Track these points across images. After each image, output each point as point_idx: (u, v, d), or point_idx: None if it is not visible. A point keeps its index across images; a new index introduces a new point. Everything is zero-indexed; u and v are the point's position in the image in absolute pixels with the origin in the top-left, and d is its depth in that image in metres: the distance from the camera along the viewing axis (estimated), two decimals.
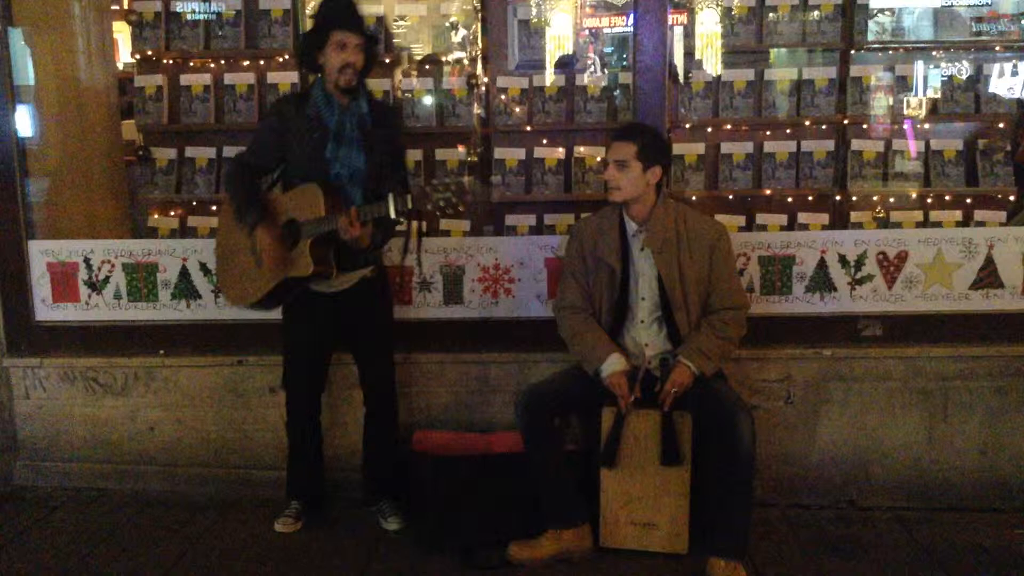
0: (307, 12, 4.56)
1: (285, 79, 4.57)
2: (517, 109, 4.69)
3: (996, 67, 4.70)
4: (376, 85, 4.62)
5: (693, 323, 3.41)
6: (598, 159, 4.56)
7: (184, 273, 4.17)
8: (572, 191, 4.67)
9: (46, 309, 4.25)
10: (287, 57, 4.64)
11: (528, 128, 4.70)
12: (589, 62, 4.97)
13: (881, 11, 4.77)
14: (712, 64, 4.56)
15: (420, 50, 4.93)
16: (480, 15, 4.75)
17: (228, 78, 4.67)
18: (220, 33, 4.68)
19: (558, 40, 4.63)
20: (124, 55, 5.39)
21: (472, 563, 3.42)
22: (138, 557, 3.55)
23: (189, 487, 4.14)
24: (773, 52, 4.97)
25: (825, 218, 4.59)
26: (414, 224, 3.55)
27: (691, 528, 3.43)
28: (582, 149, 4.67)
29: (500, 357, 4.02)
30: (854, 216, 4.71)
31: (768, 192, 4.71)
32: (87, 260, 4.21)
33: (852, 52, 4.71)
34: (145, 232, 4.78)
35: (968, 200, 4.69)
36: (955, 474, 3.92)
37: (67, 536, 3.76)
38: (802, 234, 4.12)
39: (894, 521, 3.79)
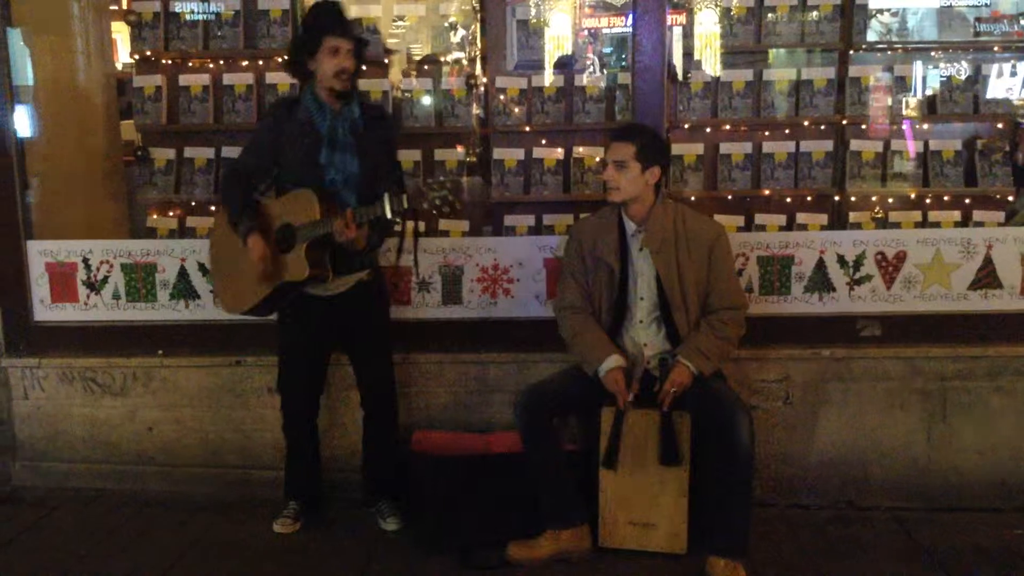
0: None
1: (284, 80, 4.56)
2: (516, 109, 4.69)
3: (995, 67, 4.70)
4: (375, 86, 4.63)
5: (692, 323, 3.41)
6: (597, 159, 4.56)
7: (183, 273, 4.17)
8: (571, 191, 4.67)
9: (45, 309, 4.25)
10: (286, 58, 4.62)
11: (527, 128, 4.70)
12: (588, 62, 4.96)
13: (880, 11, 4.78)
14: (711, 64, 4.56)
15: (419, 50, 4.93)
16: (479, 15, 4.76)
17: (227, 78, 4.68)
18: (219, 33, 4.68)
19: (557, 40, 4.63)
20: (123, 55, 5.39)
21: (471, 563, 3.42)
22: (137, 557, 3.55)
23: (188, 487, 4.14)
24: (772, 52, 4.98)
25: (824, 218, 4.60)
26: (409, 224, 3.54)
27: (690, 528, 3.43)
28: (581, 149, 4.68)
29: (499, 357, 4.02)
30: (853, 216, 4.72)
31: (767, 192, 4.71)
32: (86, 260, 4.21)
33: (851, 52, 4.72)
34: (144, 232, 4.79)
35: (967, 200, 4.69)
36: (954, 474, 3.92)
37: (66, 536, 3.75)
38: (801, 234, 4.13)
39: (893, 521, 3.79)
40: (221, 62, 4.78)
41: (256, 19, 4.66)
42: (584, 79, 4.72)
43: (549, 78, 4.68)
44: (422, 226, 3.94)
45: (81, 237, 4.31)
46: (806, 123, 4.71)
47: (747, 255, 3.99)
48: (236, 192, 3.54)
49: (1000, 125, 4.75)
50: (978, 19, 4.75)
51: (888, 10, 4.82)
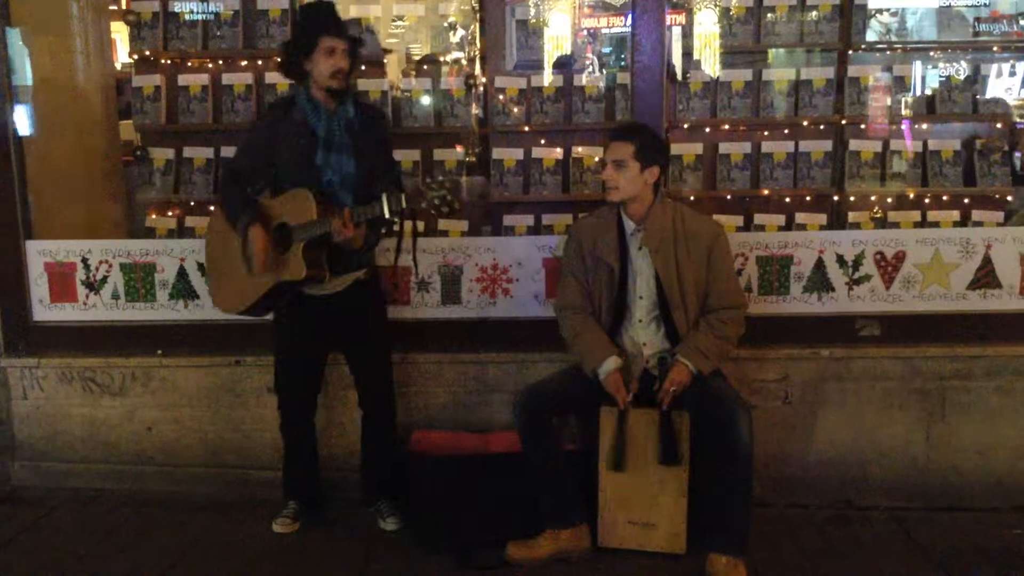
0: None
1: (283, 80, 4.54)
2: (515, 109, 4.69)
3: (994, 67, 4.70)
4: (374, 86, 4.63)
5: (691, 322, 3.41)
6: (596, 159, 4.56)
7: (182, 273, 4.17)
8: (570, 191, 4.67)
9: (44, 309, 4.25)
10: (280, 58, 4.63)
11: (526, 128, 4.70)
12: (587, 62, 4.97)
13: (880, 11, 4.78)
14: (710, 64, 4.56)
15: (418, 50, 4.93)
16: (478, 15, 4.76)
17: (226, 78, 4.68)
18: (218, 33, 4.68)
19: (556, 40, 4.63)
20: (122, 55, 5.39)
21: (470, 563, 3.42)
22: (136, 557, 3.55)
23: (187, 487, 4.14)
24: (771, 52, 4.99)
25: (823, 218, 4.60)
26: (407, 224, 3.54)
27: (689, 528, 3.43)
28: (580, 149, 4.68)
29: (498, 357, 4.02)
30: (852, 216, 4.72)
31: (766, 192, 4.72)
32: (85, 260, 4.21)
33: (850, 52, 4.72)
34: (143, 232, 4.78)
35: (966, 200, 4.69)
36: (953, 474, 3.92)
37: (65, 536, 3.75)
38: (800, 234, 4.13)
39: (892, 521, 3.79)
40: (220, 62, 4.78)
41: (255, 19, 4.66)
42: (583, 79, 4.72)
43: (548, 78, 4.68)
44: (421, 226, 3.94)
45: (80, 237, 4.31)
46: (805, 123, 4.71)
47: (746, 255, 3.99)
48: (233, 190, 3.55)
49: (999, 125, 4.75)
50: (977, 19, 4.75)
51: (887, 10, 4.83)
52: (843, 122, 4.72)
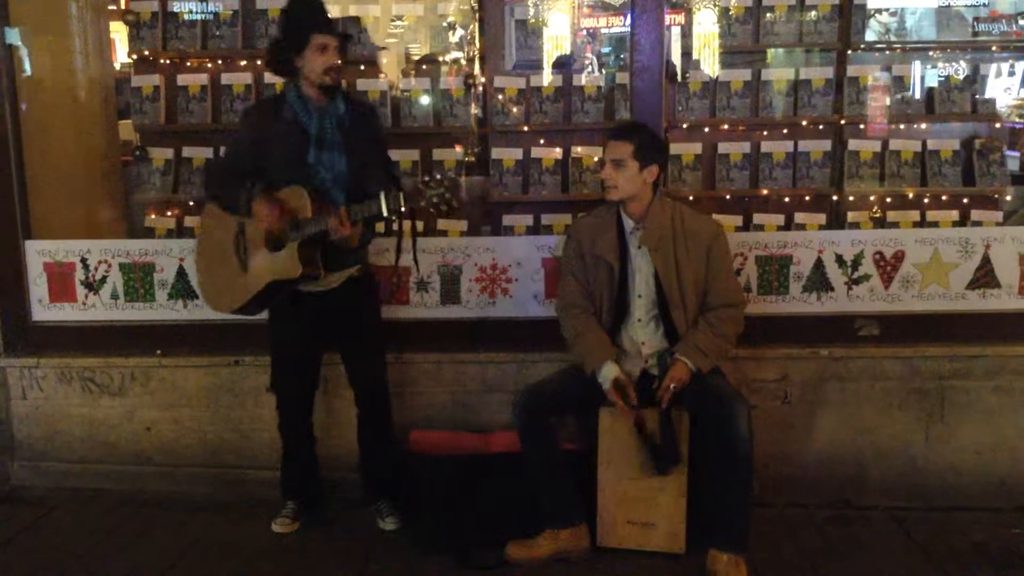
0: None
1: (282, 79, 4.56)
2: (514, 109, 4.69)
3: (993, 67, 4.70)
4: (373, 86, 4.63)
5: (690, 321, 3.41)
6: (595, 159, 4.56)
7: (181, 273, 4.16)
8: (569, 191, 4.68)
9: (43, 309, 4.25)
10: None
11: (525, 128, 4.71)
12: (586, 62, 4.97)
13: (879, 11, 4.79)
14: (709, 64, 4.56)
15: (417, 50, 4.93)
16: (477, 15, 4.76)
17: (225, 78, 4.68)
18: (217, 33, 4.68)
19: (555, 40, 4.63)
20: (121, 55, 5.39)
21: (469, 563, 3.42)
22: (136, 557, 3.55)
23: (186, 487, 4.14)
24: (770, 52, 5.00)
25: (822, 218, 4.60)
26: (406, 223, 3.53)
27: (689, 527, 3.43)
28: (579, 149, 4.68)
29: (497, 357, 4.02)
30: (851, 216, 4.73)
31: (765, 192, 4.72)
32: (84, 260, 4.21)
33: (849, 52, 4.73)
34: (142, 232, 4.79)
35: (965, 200, 4.70)
36: (952, 474, 3.92)
37: (64, 536, 3.75)
38: (799, 234, 4.13)
39: (891, 521, 3.79)
40: (219, 62, 4.79)
41: (254, 19, 4.66)
42: (582, 79, 4.73)
43: (547, 78, 4.69)
44: (420, 226, 3.94)
45: (79, 237, 4.31)
46: (804, 123, 4.71)
47: (745, 255, 3.99)
48: (225, 178, 3.52)
49: (998, 125, 4.75)
50: (976, 19, 4.76)
51: (886, 10, 4.83)
52: (842, 122, 4.73)
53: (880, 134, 4.70)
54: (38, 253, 4.22)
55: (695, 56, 4.61)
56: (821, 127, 4.74)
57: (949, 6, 4.79)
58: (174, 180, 4.73)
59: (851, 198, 4.76)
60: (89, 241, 4.25)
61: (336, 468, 3.94)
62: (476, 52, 4.78)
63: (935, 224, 4.57)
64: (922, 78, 4.89)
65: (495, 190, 4.64)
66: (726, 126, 4.76)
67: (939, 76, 4.76)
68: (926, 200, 4.72)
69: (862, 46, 4.77)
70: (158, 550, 3.60)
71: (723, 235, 3.47)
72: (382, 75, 4.81)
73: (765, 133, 4.78)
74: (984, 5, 4.79)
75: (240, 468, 4.13)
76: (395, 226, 3.56)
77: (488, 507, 3.55)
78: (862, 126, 4.74)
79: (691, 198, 4.67)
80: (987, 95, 4.87)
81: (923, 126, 4.82)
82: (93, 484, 4.19)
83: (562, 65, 4.77)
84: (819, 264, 3.99)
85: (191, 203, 4.73)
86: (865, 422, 3.92)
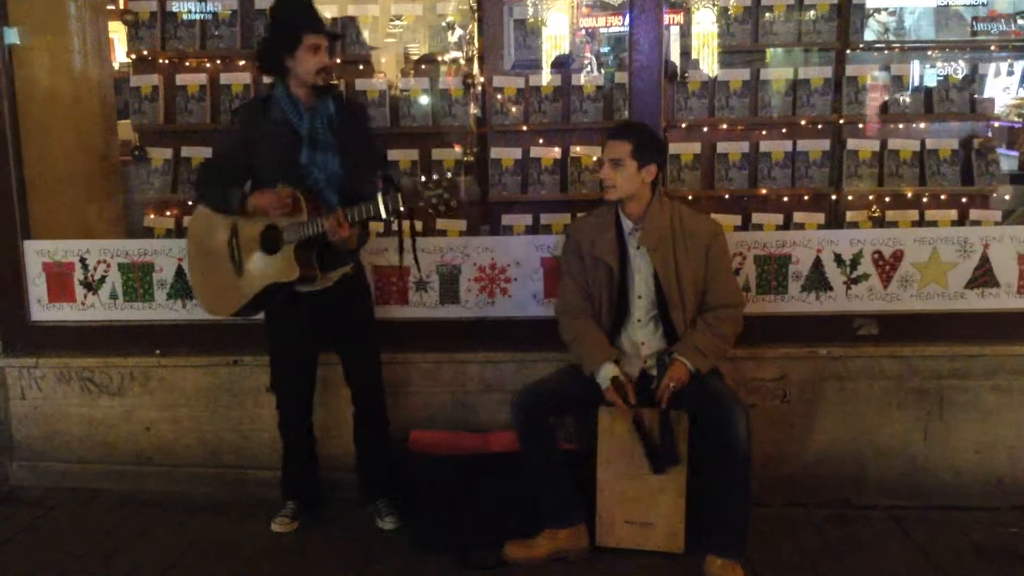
0: None
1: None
2: (513, 109, 4.69)
3: (992, 67, 4.70)
4: (372, 86, 4.63)
5: (689, 321, 3.40)
6: (594, 159, 4.56)
7: (180, 273, 4.16)
8: (568, 191, 4.67)
9: (42, 309, 4.25)
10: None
11: (524, 128, 4.70)
12: (585, 62, 4.97)
13: (878, 11, 4.79)
14: (708, 64, 4.56)
15: (416, 50, 4.93)
16: (476, 15, 4.75)
17: (224, 78, 4.68)
18: (216, 33, 4.68)
19: (554, 40, 4.63)
20: (120, 55, 5.38)
21: (469, 563, 3.42)
22: (135, 557, 3.55)
23: (186, 487, 4.14)
24: (769, 52, 4.99)
25: (821, 217, 4.60)
26: (405, 223, 3.52)
27: (688, 527, 3.43)
28: (578, 149, 4.67)
29: (496, 357, 4.02)
30: (850, 215, 4.72)
31: (764, 191, 4.72)
32: (83, 260, 4.21)
33: (848, 52, 4.73)
34: (141, 232, 4.78)
35: (963, 199, 4.70)
36: (951, 473, 3.92)
37: (63, 536, 3.75)
38: (798, 233, 4.13)
39: (890, 520, 3.79)
40: (218, 61, 4.79)
41: (253, 18, 4.66)
42: (581, 78, 4.72)
43: (546, 77, 4.68)
44: (419, 225, 3.93)
45: (78, 237, 4.31)
46: (803, 122, 4.71)
47: (744, 254, 3.99)
48: (216, 179, 3.51)
49: (996, 124, 4.75)
50: (975, 18, 4.76)
51: (885, 9, 4.83)
52: (841, 121, 4.73)
53: (878, 132, 4.70)
54: (37, 253, 4.22)
55: (694, 56, 4.61)
56: (820, 127, 4.74)
57: (948, 6, 4.79)
58: (173, 180, 4.72)
59: (850, 197, 4.76)
60: (88, 241, 4.25)
61: (335, 468, 3.94)
62: (475, 52, 4.77)
63: (934, 223, 4.57)
64: (921, 77, 4.89)
65: (494, 190, 4.64)
66: (725, 126, 4.75)
67: (938, 76, 4.76)
68: (925, 199, 4.72)
69: (861, 46, 4.77)
70: (157, 550, 3.60)
71: (722, 235, 3.47)
72: (381, 75, 4.81)
73: (764, 133, 4.78)
74: (983, 5, 4.79)
75: (239, 468, 4.13)
76: (394, 226, 3.55)
77: (487, 507, 3.55)
78: (861, 125, 4.75)
79: (690, 198, 4.67)
80: (986, 95, 4.87)
81: (922, 125, 4.82)
82: (92, 484, 4.19)
83: (561, 65, 4.77)
84: (818, 263, 3.99)
85: (190, 203, 4.70)
86: (864, 421, 3.92)
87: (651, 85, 3.91)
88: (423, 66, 4.87)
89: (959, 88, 4.71)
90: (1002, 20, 4.75)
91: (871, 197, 4.75)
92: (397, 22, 4.82)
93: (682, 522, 3.43)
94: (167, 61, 4.79)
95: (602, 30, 5.04)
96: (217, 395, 4.12)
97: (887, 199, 4.74)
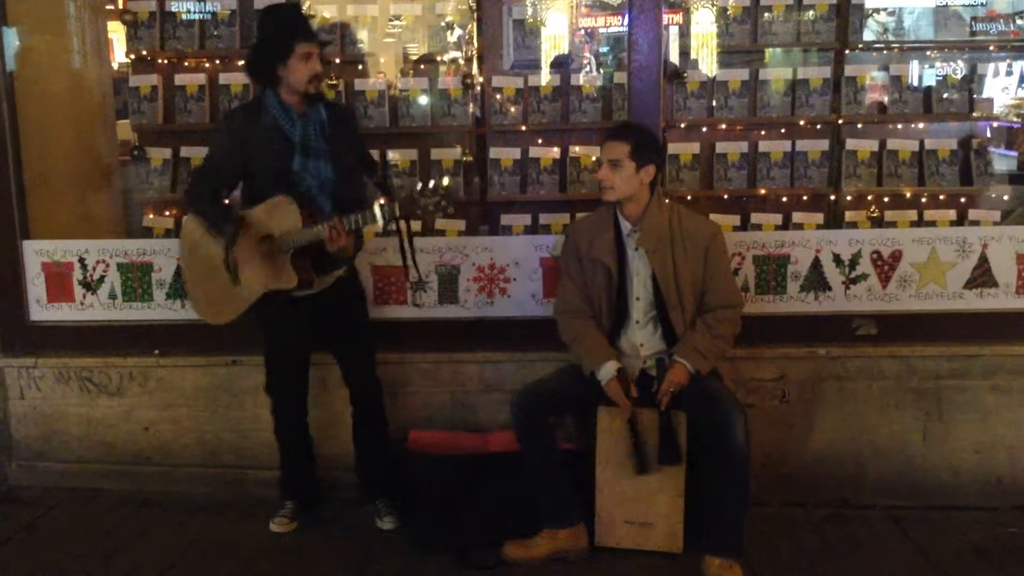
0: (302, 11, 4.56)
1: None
2: (512, 109, 4.69)
3: (991, 67, 4.70)
4: (371, 86, 4.63)
5: (688, 322, 3.41)
6: (593, 159, 4.56)
7: (179, 273, 4.14)
8: (567, 191, 4.67)
9: (41, 309, 4.25)
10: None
11: (523, 128, 4.70)
12: (584, 62, 4.97)
13: (877, 11, 4.79)
14: (707, 64, 4.56)
15: (415, 50, 4.93)
16: (475, 15, 4.76)
17: (223, 78, 4.67)
18: (215, 33, 4.68)
19: (553, 40, 4.63)
20: (119, 55, 5.38)
21: (468, 563, 3.42)
22: (135, 557, 3.55)
23: (185, 487, 4.14)
24: (768, 52, 5.00)
25: (820, 217, 4.61)
26: (403, 225, 3.52)
27: (686, 527, 3.43)
28: (577, 149, 4.68)
29: (495, 357, 4.02)
30: (849, 215, 4.73)
31: (763, 192, 4.72)
32: (82, 260, 4.21)
33: (847, 52, 4.73)
34: (140, 232, 4.78)
35: (962, 199, 4.70)
36: (950, 473, 3.92)
37: (62, 536, 3.75)
38: (797, 233, 4.13)
39: (889, 520, 3.79)
40: (217, 61, 4.78)
41: (252, 18, 4.64)
42: (580, 78, 4.72)
43: (545, 77, 4.68)
44: (419, 226, 3.94)
45: (77, 237, 4.30)
46: (802, 122, 4.72)
47: (743, 254, 3.99)
48: (210, 202, 3.51)
49: (995, 124, 4.75)
50: (974, 18, 4.76)
51: (884, 9, 4.83)
52: (840, 121, 4.73)
53: (877, 134, 4.70)
54: (36, 253, 4.22)
55: (693, 56, 4.61)
56: (819, 127, 4.74)
57: (947, 6, 4.79)
58: (172, 180, 4.72)
59: (849, 198, 4.76)
60: (87, 241, 4.25)
61: (334, 468, 3.94)
62: (474, 52, 4.77)
63: (933, 223, 4.58)
64: (920, 77, 4.89)
65: (493, 190, 4.65)
66: (724, 126, 4.76)
67: (937, 76, 4.76)
68: (924, 199, 4.72)
69: (860, 46, 4.78)
70: (157, 550, 3.60)
71: (721, 236, 3.47)
72: (380, 75, 4.81)
73: (763, 133, 4.78)
74: (982, 5, 4.79)
75: (239, 468, 4.13)
76: (391, 226, 3.55)
77: (486, 507, 3.55)
78: (860, 125, 4.75)
79: (689, 198, 4.67)
80: (985, 95, 4.87)
81: (920, 126, 4.82)
82: (91, 484, 4.18)
83: (560, 65, 4.77)
84: (817, 264, 4.00)
85: None
86: (863, 421, 3.93)
87: (650, 85, 3.91)
88: (422, 66, 4.87)
89: (958, 88, 4.71)
90: (1001, 20, 4.75)
91: (870, 197, 4.75)
92: (396, 22, 4.82)
93: (681, 522, 3.44)
94: (166, 61, 4.79)
95: (601, 30, 5.04)
96: (216, 395, 4.12)
97: (886, 199, 4.74)
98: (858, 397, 3.92)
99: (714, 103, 4.72)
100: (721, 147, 4.72)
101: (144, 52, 4.73)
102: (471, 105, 4.70)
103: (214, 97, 4.68)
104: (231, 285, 3.49)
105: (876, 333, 3.99)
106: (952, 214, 4.66)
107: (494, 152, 4.69)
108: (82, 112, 4.82)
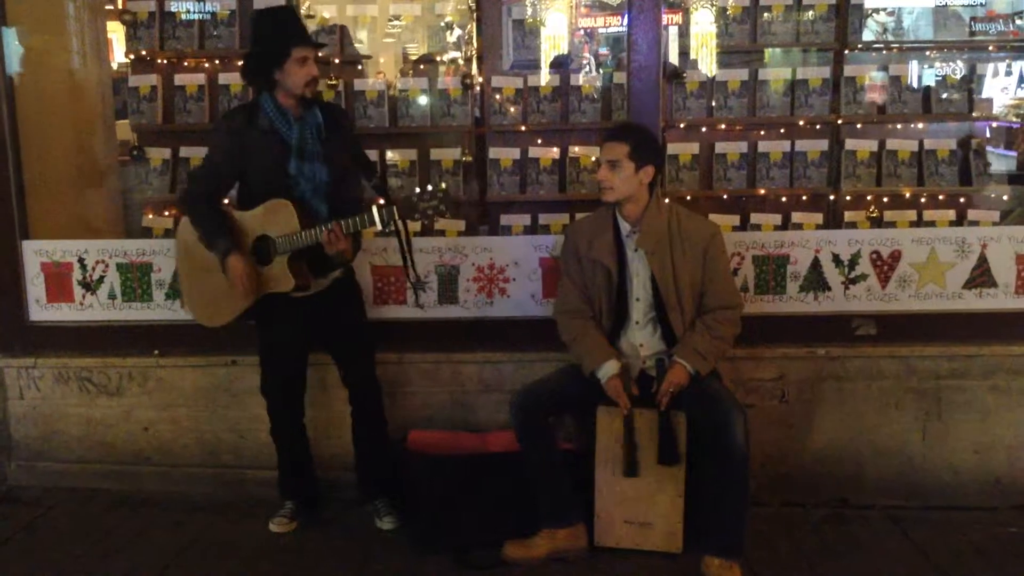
0: (302, 12, 4.56)
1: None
2: (512, 109, 4.69)
3: (990, 67, 4.71)
4: (371, 86, 4.63)
5: (687, 323, 3.40)
6: (593, 159, 4.57)
7: (178, 273, 4.15)
8: (567, 191, 4.68)
9: (40, 309, 4.24)
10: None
11: (523, 128, 4.71)
12: (584, 62, 4.97)
13: (876, 11, 4.80)
14: (706, 64, 4.57)
15: (415, 50, 4.93)
16: (475, 15, 4.76)
17: (222, 78, 4.68)
18: (214, 33, 4.68)
19: (553, 40, 4.63)
20: (118, 55, 5.39)
21: (467, 563, 3.42)
22: (134, 557, 3.55)
23: (184, 487, 4.13)
24: (767, 52, 5.01)
25: (819, 217, 4.61)
26: (401, 225, 3.52)
27: (686, 527, 3.43)
28: (577, 149, 4.68)
29: (495, 357, 4.01)
30: (848, 215, 4.73)
31: (762, 192, 4.73)
32: (81, 260, 4.21)
33: (846, 52, 4.73)
34: (139, 232, 4.78)
35: (961, 199, 4.70)
36: (949, 473, 3.93)
37: (62, 536, 3.75)
38: (796, 233, 4.13)
39: (888, 520, 3.79)
40: (217, 61, 4.79)
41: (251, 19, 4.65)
42: (580, 78, 4.72)
43: (545, 77, 4.68)
44: (417, 226, 3.94)
45: (77, 237, 4.31)
46: (801, 122, 4.72)
47: (742, 254, 3.99)
48: (206, 211, 3.50)
49: (995, 124, 4.76)
50: (973, 19, 4.76)
51: (884, 9, 4.83)
52: (839, 121, 4.73)
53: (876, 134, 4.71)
54: (35, 253, 4.22)
55: (692, 56, 4.61)
56: (818, 127, 4.75)
57: (946, 6, 4.79)
58: (171, 180, 4.72)
59: (848, 198, 4.77)
60: (86, 241, 4.25)
61: (334, 468, 3.94)
62: (474, 52, 4.78)
63: (932, 223, 4.58)
64: (919, 78, 4.90)
65: (492, 190, 4.65)
66: (723, 126, 4.76)
67: (936, 76, 4.77)
68: (923, 200, 4.72)
69: (859, 46, 4.78)
70: (156, 550, 3.60)
71: (720, 236, 3.47)
72: (380, 75, 4.81)
73: (762, 133, 4.79)
74: (981, 5, 4.79)
75: (238, 468, 4.13)
76: (390, 228, 3.54)
77: (486, 507, 3.55)
78: (859, 126, 4.75)
79: (688, 198, 4.67)
80: (984, 95, 4.87)
81: (920, 126, 4.83)
82: (91, 484, 4.18)
83: (559, 65, 4.77)
84: (816, 264, 4.00)
85: None
86: (862, 421, 3.93)
87: (649, 85, 3.91)
88: (422, 66, 4.88)
89: (957, 88, 4.71)
90: (1000, 20, 4.75)
91: (869, 197, 4.76)
92: (396, 22, 4.83)
93: (680, 522, 3.44)
94: (165, 61, 4.79)
95: (601, 30, 5.05)
96: (215, 395, 4.11)
97: (885, 199, 4.75)
98: (857, 397, 3.92)
99: (713, 103, 4.73)
100: (720, 147, 4.73)
101: (143, 52, 4.74)
102: (471, 105, 4.69)
103: (213, 97, 4.68)
104: (227, 287, 3.49)
105: (875, 333, 3.99)
106: (951, 214, 4.66)
107: (493, 152, 4.69)
108: (81, 112, 4.82)
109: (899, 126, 4.81)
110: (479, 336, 4.08)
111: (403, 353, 4.00)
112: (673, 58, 4.67)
